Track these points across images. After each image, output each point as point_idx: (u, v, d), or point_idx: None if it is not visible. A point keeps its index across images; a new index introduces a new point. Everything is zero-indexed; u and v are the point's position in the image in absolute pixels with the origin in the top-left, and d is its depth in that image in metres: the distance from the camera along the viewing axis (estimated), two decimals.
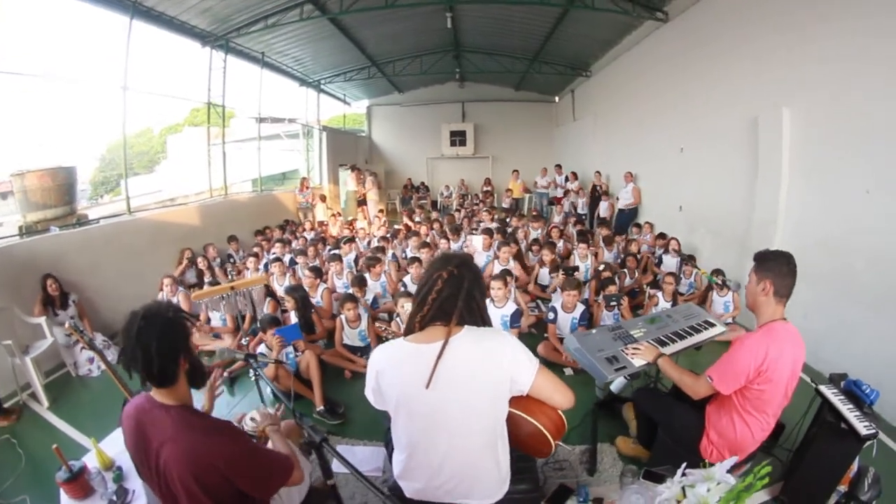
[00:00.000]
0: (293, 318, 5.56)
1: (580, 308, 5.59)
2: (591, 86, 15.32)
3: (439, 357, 1.77)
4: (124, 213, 8.58)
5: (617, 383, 4.34)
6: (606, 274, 6.95)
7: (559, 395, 1.94)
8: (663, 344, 3.51)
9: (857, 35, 4.98)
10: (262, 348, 4.76)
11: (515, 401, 1.94)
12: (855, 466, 3.10)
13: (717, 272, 6.22)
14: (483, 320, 1.95)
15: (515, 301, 5.88)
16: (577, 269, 7.36)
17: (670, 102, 9.62)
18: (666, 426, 3.28)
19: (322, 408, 4.51)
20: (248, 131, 13.84)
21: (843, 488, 3.09)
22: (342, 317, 5.53)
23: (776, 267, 2.61)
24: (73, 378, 5.60)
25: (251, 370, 3.79)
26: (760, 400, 2.67)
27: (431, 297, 1.88)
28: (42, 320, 5.54)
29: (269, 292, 6.24)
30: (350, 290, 6.35)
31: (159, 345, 1.81)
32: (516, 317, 5.51)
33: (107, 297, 6.82)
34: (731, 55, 7.32)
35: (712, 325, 3.94)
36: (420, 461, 1.95)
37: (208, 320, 6.14)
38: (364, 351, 5.56)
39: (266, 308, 5.93)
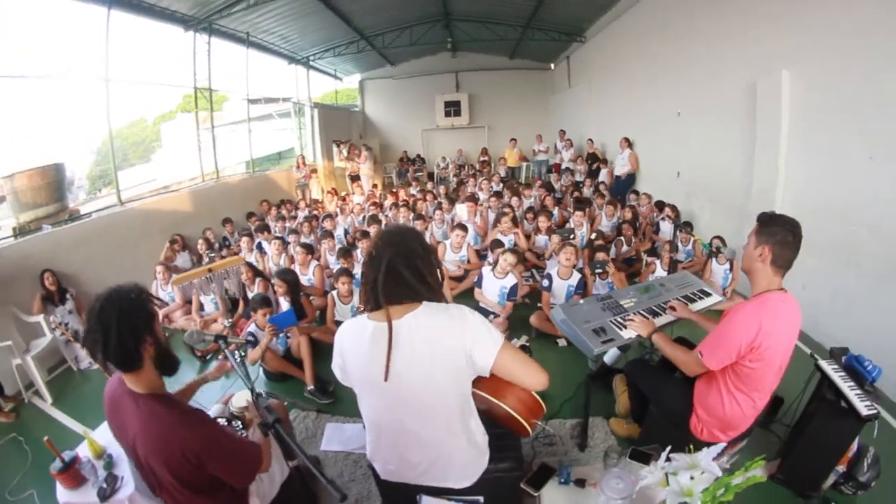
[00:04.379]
0: (284, 304, 5.51)
1: (576, 276, 5.51)
2: (586, 52, 15.05)
3: (389, 347, 1.72)
4: (116, 205, 8.56)
5: (611, 354, 4.33)
6: (598, 242, 6.87)
7: (528, 377, 1.83)
8: (656, 315, 3.39)
9: (864, 3, 4.75)
10: (251, 327, 4.73)
11: (482, 382, 1.89)
12: (854, 446, 3.00)
13: (718, 238, 6.15)
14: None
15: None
16: (573, 231, 7.25)
17: (667, 67, 9.43)
18: (656, 402, 3.19)
19: (312, 387, 4.54)
20: (243, 114, 13.70)
21: (841, 468, 3.00)
22: (334, 292, 5.50)
23: (779, 233, 2.39)
24: (75, 372, 5.67)
25: (232, 351, 3.83)
26: (751, 377, 2.52)
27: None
28: (41, 318, 5.60)
29: (257, 272, 6.23)
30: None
31: (119, 324, 1.79)
32: (514, 290, 5.51)
33: (102, 288, 6.56)
34: (730, 18, 7.10)
35: (708, 294, 3.82)
36: (387, 443, 1.94)
37: (201, 306, 6.17)
38: None
39: (257, 289, 5.94)
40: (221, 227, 9.69)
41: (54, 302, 5.89)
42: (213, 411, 2.91)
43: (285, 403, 4.29)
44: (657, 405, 3.18)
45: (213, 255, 6.84)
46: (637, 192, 9.94)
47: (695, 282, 4.01)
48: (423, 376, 1.75)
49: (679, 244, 7.02)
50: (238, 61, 12.99)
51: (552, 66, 19.31)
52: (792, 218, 2.43)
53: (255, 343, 4.56)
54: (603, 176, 12.12)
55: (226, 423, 2.73)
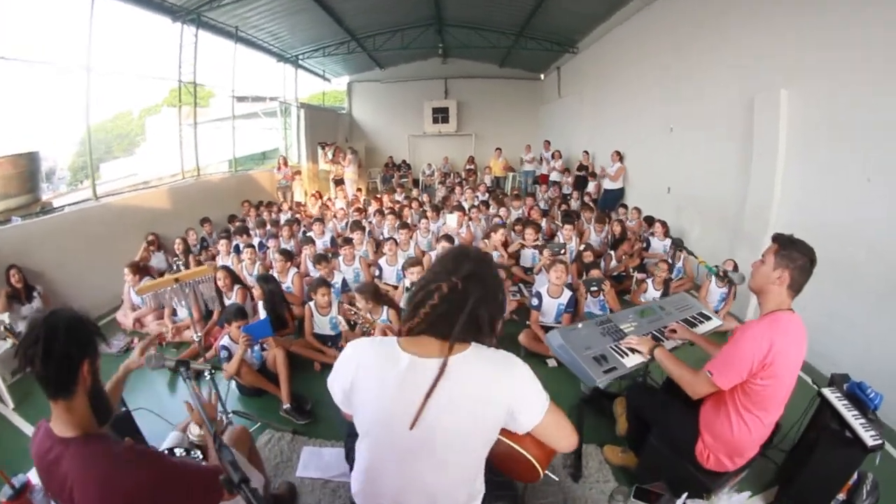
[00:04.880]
0: (261, 311, 5.27)
1: (567, 294, 5.32)
2: (578, 63, 14.98)
3: (431, 391, 1.48)
4: (90, 199, 8.18)
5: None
6: (587, 255, 6.75)
7: (563, 440, 1.69)
8: (656, 339, 3.26)
9: (863, 22, 4.75)
10: (225, 340, 4.44)
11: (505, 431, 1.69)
12: (854, 474, 2.95)
13: (731, 262, 5.89)
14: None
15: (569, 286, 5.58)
16: (564, 246, 7.08)
17: (661, 81, 9.36)
18: (660, 428, 3.07)
19: (288, 405, 4.25)
20: (228, 111, 13.45)
21: (842, 496, 2.94)
22: (311, 303, 5.23)
23: (800, 259, 2.37)
24: None
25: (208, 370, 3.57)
26: (762, 396, 2.44)
27: (424, 311, 1.56)
28: (5, 316, 5.21)
29: (236, 279, 5.95)
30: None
31: (67, 334, 1.61)
32: (572, 303, 5.33)
33: (74, 287, 6.61)
34: (728, 34, 7.05)
35: (707, 317, 3.74)
36: (382, 490, 1.69)
37: (174, 310, 5.88)
38: (335, 340, 5.28)
39: (234, 297, 5.67)
40: (200, 226, 9.34)
41: (20, 300, 5.63)
42: (169, 440, 2.67)
43: (257, 425, 4.06)
44: (660, 431, 3.06)
45: (181, 260, 6.46)
46: (625, 206, 9.86)
47: (694, 304, 3.93)
48: (453, 426, 1.54)
49: (670, 261, 6.83)
50: (225, 57, 12.75)
51: (542, 76, 19.26)
52: (808, 244, 2.43)
53: (228, 357, 4.31)
54: (591, 188, 12.03)
55: (184, 454, 2.49)
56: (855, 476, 2.95)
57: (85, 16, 7.72)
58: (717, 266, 4.38)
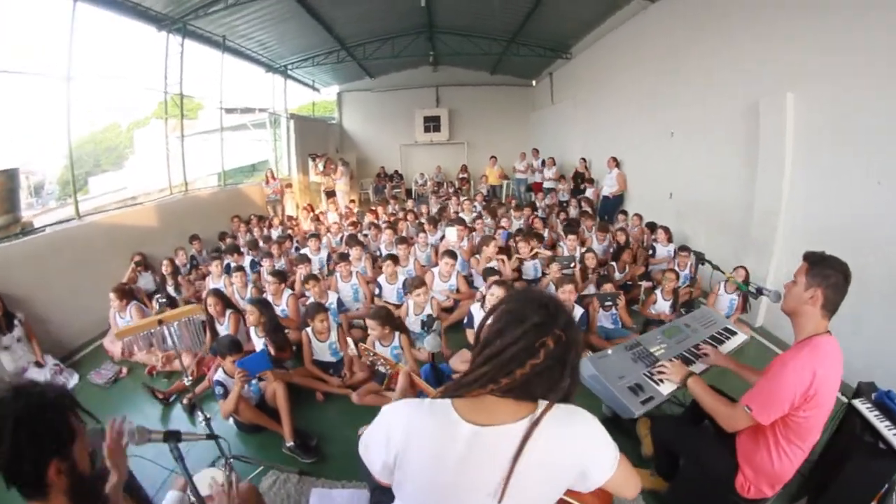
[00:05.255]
0: (254, 337, 4.99)
1: (577, 311, 5.08)
2: (571, 68, 14.85)
3: (515, 461, 1.24)
4: (73, 218, 7.82)
5: None
6: (590, 257, 6.68)
7: (630, 490, 1.50)
8: (687, 361, 3.16)
9: (865, 26, 4.69)
10: (219, 374, 4.13)
11: None
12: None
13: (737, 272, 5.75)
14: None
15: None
16: (573, 260, 6.82)
17: (660, 86, 9.19)
18: (694, 463, 2.89)
19: (292, 443, 3.92)
20: (216, 123, 13.16)
21: None
22: (309, 330, 4.91)
23: (832, 276, 2.23)
24: None
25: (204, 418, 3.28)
26: (804, 427, 2.29)
27: (521, 372, 1.26)
28: None
29: (228, 304, 5.63)
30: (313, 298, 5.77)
31: (15, 435, 1.32)
32: (584, 319, 5.18)
33: (58, 313, 6.25)
34: (729, 37, 6.91)
35: (733, 332, 3.65)
36: None
37: (164, 340, 5.55)
38: (337, 367, 4.99)
39: (226, 323, 5.37)
40: (189, 244, 9.04)
41: (0, 329, 5.26)
42: (168, 501, 2.36)
43: (260, 469, 3.74)
44: (695, 465, 2.90)
45: (163, 298, 6.05)
46: (625, 213, 9.68)
47: (718, 319, 3.88)
48: (527, 499, 1.31)
49: (676, 268, 6.63)
50: (213, 67, 12.47)
51: (534, 82, 19.20)
52: (842, 260, 2.30)
53: (224, 394, 4.00)
54: (589, 193, 11.84)
55: None
56: (885, 486, 2.82)
57: (66, 24, 7.40)
58: (747, 282, 4.16)
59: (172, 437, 1.82)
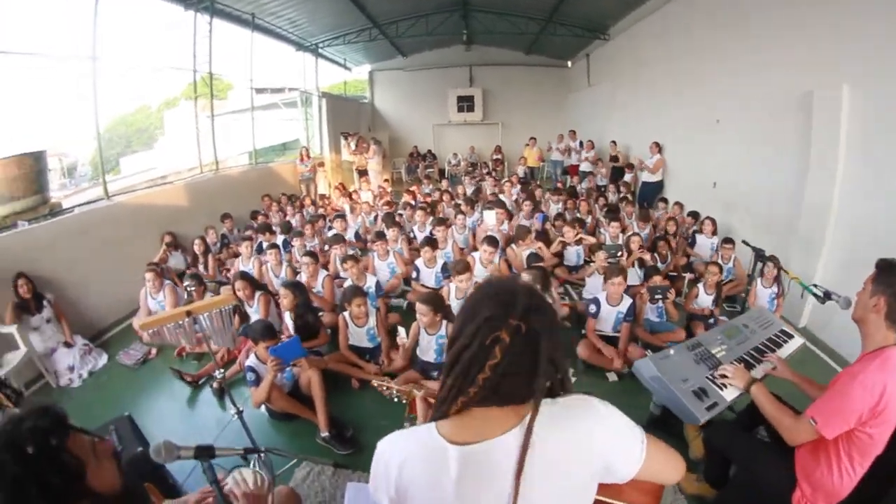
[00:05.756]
0: (287, 320, 4.80)
1: (626, 301, 4.80)
2: (609, 50, 14.36)
3: (518, 476, 1.05)
4: (102, 198, 7.73)
5: None
6: (635, 240, 6.50)
7: (671, 473, 1.35)
8: (748, 365, 3.01)
9: None
10: (251, 360, 3.96)
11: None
12: None
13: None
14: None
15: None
16: (620, 248, 6.51)
17: (705, 70, 8.73)
18: (747, 472, 2.75)
19: (327, 433, 3.75)
20: (247, 102, 13.09)
21: None
22: (346, 314, 4.71)
23: None
24: (53, 389, 5.06)
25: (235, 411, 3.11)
26: (868, 444, 2.16)
27: (482, 376, 1.09)
28: (14, 329, 4.98)
29: (257, 285, 5.47)
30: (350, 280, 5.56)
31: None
32: (632, 311, 4.83)
33: (87, 293, 6.26)
34: (784, 21, 6.44)
35: (790, 335, 3.53)
36: None
37: (195, 321, 5.39)
38: (374, 353, 4.79)
39: (256, 305, 5.20)
40: (220, 223, 8.99)
41: (30, 310, 5.27)
42: None
43: (293, 461, 3.55)
44: (748, 476, 2.73)
45: (192, 286, 5.89)
46: (665, 200, 9.35)
47: (774, 321, 3.67)
48: None
49: (720, 261, 6.28)
50: (243, 46, 12.37)
51: (569, 63, 18.75)
52: None
53: (256, 381, 3.83)
54: (628, 178, 11.47)
55: None
56: None
57: (90, 3, 7.24)
58: (815, 285, 3.84)
59: (205, 453, 1.60)
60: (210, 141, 11.13)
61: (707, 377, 2.85)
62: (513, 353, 1.08)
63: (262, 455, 2.44)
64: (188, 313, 3.08)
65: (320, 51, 15.94)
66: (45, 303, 5.40)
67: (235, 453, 2.00)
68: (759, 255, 4.84)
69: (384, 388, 3.08)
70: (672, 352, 3.01)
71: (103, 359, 5.54)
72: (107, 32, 7.53)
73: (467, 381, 1.10)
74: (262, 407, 4.01)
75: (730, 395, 2.76)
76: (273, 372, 3.69)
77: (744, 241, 5.61)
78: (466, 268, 5.05)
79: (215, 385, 4.56)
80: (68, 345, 5.40)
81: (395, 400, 3.05)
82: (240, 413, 3.09)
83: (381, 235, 6.65)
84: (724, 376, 2.81)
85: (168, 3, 9.40)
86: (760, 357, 3.12)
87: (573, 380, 3.93)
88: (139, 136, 33.22)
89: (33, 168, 7.26)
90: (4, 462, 1.20)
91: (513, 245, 6.81)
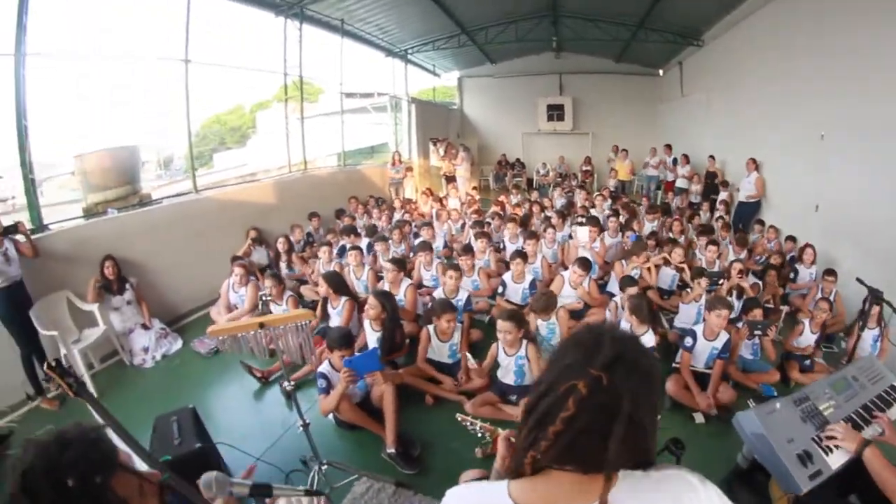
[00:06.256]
0: (368, 329, 4.67)
1: (723, 337, 4.40)
2: (702, 57, 13.68)
3: None
4: (191, 192, 8.06)
5: None
6: (740, 281, 5.82)
7: None
8: (855, 425, 2.59)
9: None
10: (324, 366, 3.84)
11: None
12: None
13: None
14: (647, 452, 1.03)
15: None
16: (723, 275, 5.98)
17: (809, 80, 8.01)
18: None
19: (393, 450, 3.58)
20: (337, 105, 13.33)
21: None
22: (430, 327, 4.53)
23: None
24: (127, 367, 5.43)
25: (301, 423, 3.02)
26: None
27: (553, 429, 0.94)
28: (95, 307, 5.35)
29: (345, 290, 5.39)
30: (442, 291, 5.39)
31: None
32: (727, 347, 4.42)
33: (169, 280, 6.62)
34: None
35: None
36: None
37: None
38: (451, 369, 4.57)
39: (340, 308, 5.12)
40: (308, 221, 9.17)
41: (112, 291, 5.60)
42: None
43: (354, 476, 3.40)
44: None
45: (269, 295, 5.91)
46: (762, 223, 8.68)
47: (883, 372, 3.14)
48: None
49: (822, 294, 5.75)
50: (332, 51, 12.63)
51: (661, 72, 18.01)
52: None
53: (326, 389, 3.71)
54: (724, 196, 10.81)
55: None
56: None
57: (183, 10, 7.66)
58: None
59: (261, 491, 1.44)
60: (299, 142, 11.37)
61: (813, 438, 2.48)
62: (590, 408, 0.92)
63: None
64: (261, 325, 2.96)
65: (409, 56, 16.08)
66: (127, 286, 5.72)
67: (296, 494, 1.83)
68: (876, 297, 4.03)
69: (468, 422, 2.88)
70: (778, 405, 2.63)
71: (178, 344, 5.86)
72: (203, 37, 7.89)
73: (541, 433, 0.97)
74: (329, 416, 3.91)
75: (835, 461, 2.38)
76: (346, 383, 3.56)
77: (858, 279, 5.00)
78: (550, 307, 4.77)
79: (284, 384, 4.48)
80: (146, 327, 5.71)
81: (480, 436, 2.84)
82: (306, 426, 2.97)
83: (468, 249, 6.40)
84: (831, 437, 2.43)
85: (259, 10, 9.69)
86: (869, 417, 2.72)
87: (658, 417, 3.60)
88: (232, 134, 34.82)
89: (126, 161, 7.73)
90: (40, 490, 1.08)
91: (623, 261, 6.44)
